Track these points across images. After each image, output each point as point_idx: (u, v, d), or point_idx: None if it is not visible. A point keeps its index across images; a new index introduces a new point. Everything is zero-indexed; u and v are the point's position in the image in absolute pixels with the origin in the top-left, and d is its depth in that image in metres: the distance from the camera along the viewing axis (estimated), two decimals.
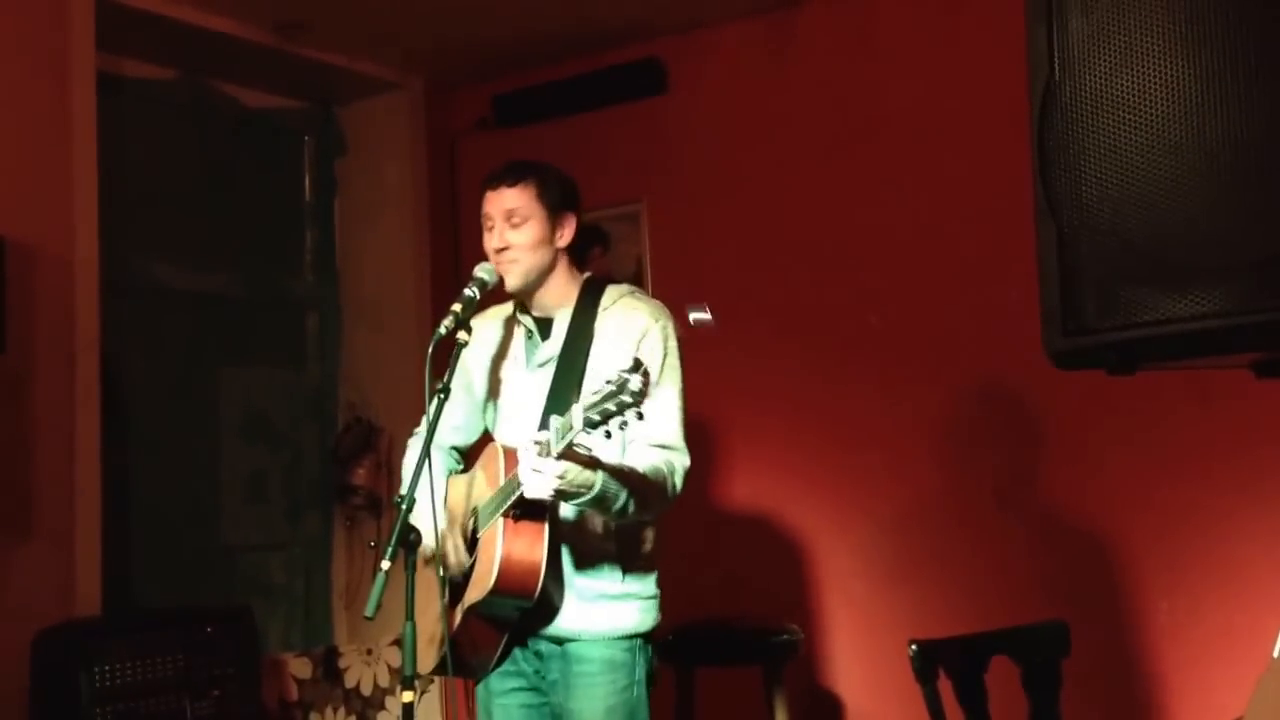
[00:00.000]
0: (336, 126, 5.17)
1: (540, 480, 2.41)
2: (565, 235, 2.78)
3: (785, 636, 3.82)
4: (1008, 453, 4.05)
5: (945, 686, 2.82)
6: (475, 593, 2.63)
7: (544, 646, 2.75)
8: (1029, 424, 4.00)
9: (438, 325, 2.63)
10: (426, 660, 2.75)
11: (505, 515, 2.56)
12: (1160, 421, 3.72)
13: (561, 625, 2.70)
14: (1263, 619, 3.44)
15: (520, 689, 2.79)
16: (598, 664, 2.69)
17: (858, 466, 4.27)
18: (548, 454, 2.38)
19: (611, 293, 2.82)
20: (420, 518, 2.56)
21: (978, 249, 4.05)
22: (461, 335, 2.65)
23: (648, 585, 2.77)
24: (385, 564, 2.40)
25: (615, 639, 2.70)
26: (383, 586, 2.38)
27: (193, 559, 4.62)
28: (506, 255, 2.74)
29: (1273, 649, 1.70)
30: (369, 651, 4.58)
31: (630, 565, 2.73)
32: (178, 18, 4.21)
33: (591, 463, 2.46)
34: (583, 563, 2.70)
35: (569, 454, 2.38)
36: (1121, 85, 1.76)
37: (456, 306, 2.64)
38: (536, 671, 2.77)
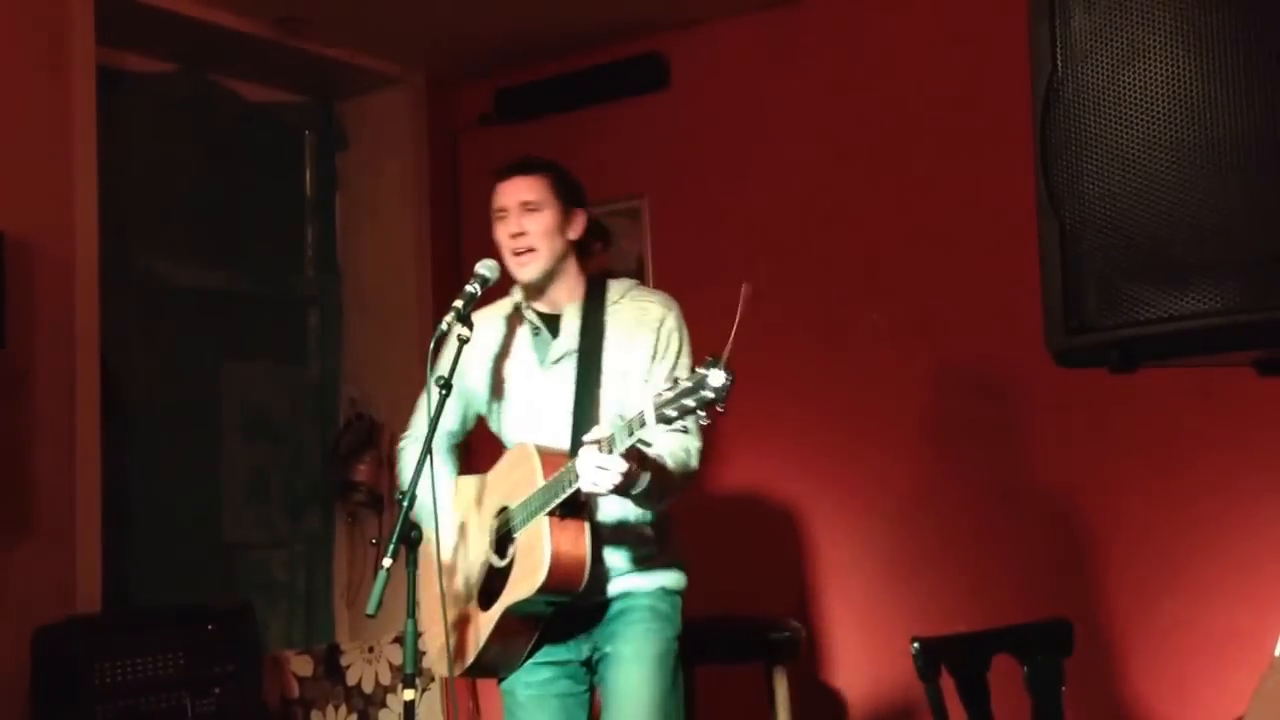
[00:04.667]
0: (338, 121, 5.16)
1: (605, 477, 2.45)
2: (576, 229, 2.85)
3: (787, 633, 3.81)
4: (1011, 450, 4.04)
5: (947, 684, 2.82)
6: (518, 591, 2.63)
7: (588, 615, 2.79)
8: (1032, 421, 3.99)
9: (440, 322, 2.64)
10: (448, 665, 2.74)
11: (552, 514, 2.58)
12: (1164, 420, 3.71)
13: (605, 593, 2.77)
14: (1266, 618, 3.43)
15: (557, 678, 2.81)
16: (646, 611, 2.78)
17: (860, 463, 4.26)
18: (609, 451, 2.43)
19: (616, 288, 2.86)
20: (425, 524, 2.59)
21: (981, 245, 4.04)
22: (463, 332, 2.65)
23: (679, 552, 2.88)
24: (387, 561, 2.41)
25: (659, 590, 2.80)
26: (384, 584, 2.39)
27: (193, 556, 4.61)
28: (523, 241, 2.78)
29: (1275, 647, 1.70)
30: (370, 649, 4.58)
31: (662, 539, 2.84)
32: (179, 11, 4.20)
33: (641, 458, 2.52)
34: (622, 547, 2.77)
35: (629, 451, 2.44)
36: (1124, 82, 1.76)
37: (459, 303, 2.66)
38: (572, 660, 2.80)
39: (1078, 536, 3.89)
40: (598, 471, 2.45)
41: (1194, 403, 3.60)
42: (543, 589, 2.57)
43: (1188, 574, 3.70)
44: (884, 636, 4.12)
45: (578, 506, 2.60)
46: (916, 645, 2.79)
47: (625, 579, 2.78)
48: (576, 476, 2.49)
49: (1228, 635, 3.59)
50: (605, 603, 2.78)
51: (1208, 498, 3.66)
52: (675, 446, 2.68)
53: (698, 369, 2.30)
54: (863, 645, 4.24)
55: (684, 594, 2.86)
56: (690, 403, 2.28)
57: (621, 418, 2.41)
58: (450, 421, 2.95)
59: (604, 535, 2.74)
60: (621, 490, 2.51)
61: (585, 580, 2.61)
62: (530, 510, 2.63)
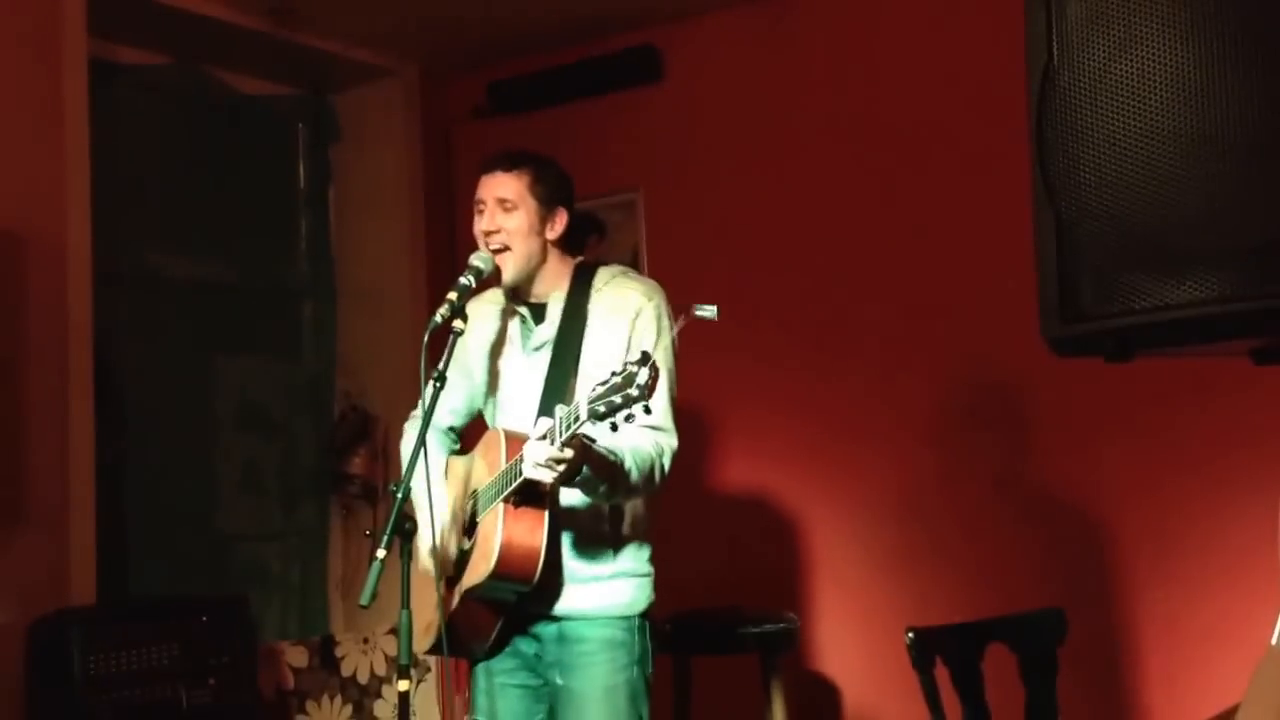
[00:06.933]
0: (331, 113, 5.14)
1: (545, 467, 2.44)
2: (556, 228, 2.80)
3: (782, 625, 3.81)
4: (1005, 441, 4.05)
5: (942, 674, 2.82)
6: (473, 576, 2.64)
7: (541, 628, 2.76)
8: (1027, 412, 4.00)
9: (433, 314, 2.64)
10: (423, 642, 2.78)
11: (506, 501, 2.58)
12: (1158, 409, 3.72)
13: (556, 606, 2.72)
14: (1260, 606, 3.43)
15: (517, 669, 2.80)
16: (596, 643, 2.70)
17: (855, 454, 4.27)
18: (553, 441, 2.40)
19: (603, 274, 2.83)
20: (420, 510, 2.58)
21: (976, 236, 4.04)
22: (457, 324, 2.65)
23: (640, 563, 2.78)
24: (381, 552, 2.42)
25: (613, 618, 2.72)
26: (378, 575, 2.39)
27: (188, 548, 4.60)
28: (496, 239, 2.76)
29: (1271, 635, 1.70)
30: (365, 640, 4.58)
31: (621, 544, 2.75)
32: (171, 3, 4.19)
33: (586, 450, 2.48)
34: (578, 545, 2.72)
35: (572, 442, 2.41)
36: (1120, 70, 1.76)
37: (452, 295, 2.65)
38: (535, 654, 2.78)
39: (1072, 526, 3.90)
40: (538, 459, 2.43)
41: (1189, 392, 3.61)
42: (493, 575, 2.57)
43: (1181, 562, 3.71)
44: (879, 627, 4.12)
45: (537, 496, 2.58)
46: (911, 635, 2.80)
47: (575, 594, 2.70)
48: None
49: (1222, 623, 3.60)
50: (554, 618, 2.72)
51: (1202, 486, 3.67)
52: (644, 443, 2.62)
53: (628, 364, 2.29)
54: (858, 636, 4.25)
55: (647, 611, 2.76)
56: (618, 400, 2.27)
57: (564, 408, 2.40)
58: (454, 404, 2.93)
59: (562, 532, 2.69)
60: (565, 480, 2.48)
61: (539, 570, 2.58)
62: (490, 496, 2.64)
